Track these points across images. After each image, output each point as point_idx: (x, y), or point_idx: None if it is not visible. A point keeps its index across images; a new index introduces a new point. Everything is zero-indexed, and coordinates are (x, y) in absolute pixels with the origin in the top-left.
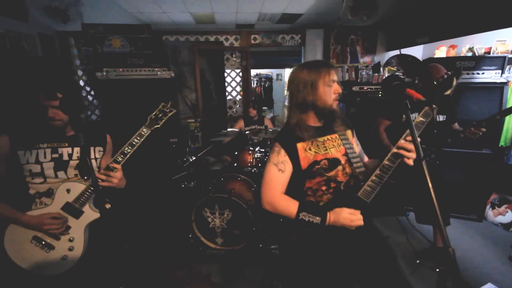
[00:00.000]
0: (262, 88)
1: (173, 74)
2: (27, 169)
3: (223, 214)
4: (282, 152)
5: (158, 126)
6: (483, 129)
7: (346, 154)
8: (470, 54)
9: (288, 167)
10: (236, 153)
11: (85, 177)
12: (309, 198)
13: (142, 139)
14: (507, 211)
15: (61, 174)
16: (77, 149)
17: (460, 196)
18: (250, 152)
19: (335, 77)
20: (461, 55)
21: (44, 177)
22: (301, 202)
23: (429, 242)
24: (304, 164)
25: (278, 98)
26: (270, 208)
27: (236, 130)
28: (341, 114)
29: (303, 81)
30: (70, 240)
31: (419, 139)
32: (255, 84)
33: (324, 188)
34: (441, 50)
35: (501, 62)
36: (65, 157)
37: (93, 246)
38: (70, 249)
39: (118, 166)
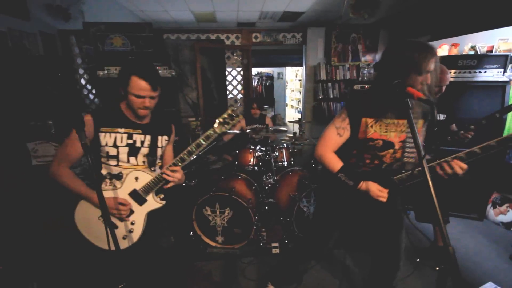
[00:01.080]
0: (263, 87)
1: (174, 73)
2: (105, 151)
3: (223, 212)
4: (347, 120)
5: (225, 130)
6: (471, 133)
7: (403, 142)
8: (472, 52)
9: (346, 134)
10: (237, 152)
11: (152, 168)
12: (351, 161)
13: (209, 141)
14: (508, 210)
15: (132, 159)
16: (148, 137)
17: (461, 195)
18: (251, 151)
19: (431, 67)
20: (463, 53)
21: (118, 160)
22: (344, 165)
23: (429, 241)
24: (361, 136)
25: (279, 97)
26: (318, 158)
27: (237, 131)
28: (418, 104)
29: (395, 61)
30: (131, 223)
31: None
32: (256, 82)
33: (367, 161)
34: (443, 49)
35: (503, 61)
36: (138, 144)
37: (148, 232)
38: (131, 231)
39: (178, 168)
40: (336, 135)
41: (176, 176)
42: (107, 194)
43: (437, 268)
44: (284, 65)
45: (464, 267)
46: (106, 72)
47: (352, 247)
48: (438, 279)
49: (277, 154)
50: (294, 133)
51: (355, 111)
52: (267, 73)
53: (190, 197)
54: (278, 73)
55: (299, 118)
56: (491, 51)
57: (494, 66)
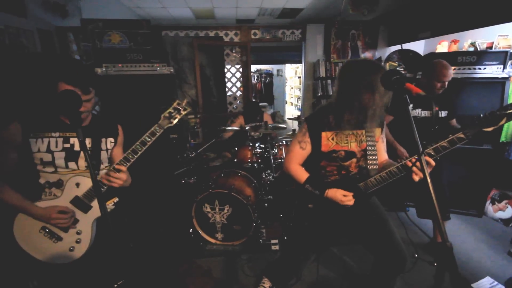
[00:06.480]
0: (262, 84)
1: (172, 70)
2: (38, 157)
3: (223, 209)
4: (307, 134)
5: (171, 125)
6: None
7: (364, 150)
8: (472, 49)
9: (308, 147)
10: (236, 149)
11: (96, 171)
12: (321, 173)
13: (154, 138)
14: (507, 207)
15: (71, 164)
16: (88, 140)
17: (460, 192)
18: (250, 148)
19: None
20: (463, 50)
21: (55, 167)
22: (310, 176)
23: (428, 237)
24: (324, 149)
25: (279, 94)
26: (286, 170)
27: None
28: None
29: (365, 84)
30: (77, 233)
31: None
32: (255, 80)
33: (335, 171)
34: (443, 45)
35: (503, 57)
36: (76, 148)
37: (99, 241)
38: (78, 242)
39: (124, 168)
40: (299, 148)
41: (120, 177)
42: (46, 204)
43: (435, 264)
44: (284, 62)
45: (463, 262)
46: (104, 69)
47: (350, 242)
48: (436, 275)
49: (276, 151)
50: (294, 130)
51: (314, 126)
52: (266, 70)
53: (189, 194)
54: (278, 70)
55: (298, 115)
56: (491, 48)
57: (494, 62)
